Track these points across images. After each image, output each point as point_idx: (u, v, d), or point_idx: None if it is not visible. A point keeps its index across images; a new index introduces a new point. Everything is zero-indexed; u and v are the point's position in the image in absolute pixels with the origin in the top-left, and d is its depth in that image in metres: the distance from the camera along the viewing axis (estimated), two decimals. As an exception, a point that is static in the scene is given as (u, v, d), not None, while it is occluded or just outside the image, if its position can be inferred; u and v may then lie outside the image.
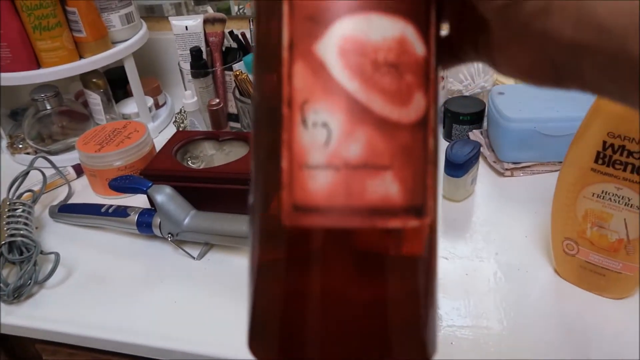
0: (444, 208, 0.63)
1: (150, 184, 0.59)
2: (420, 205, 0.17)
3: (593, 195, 0.45)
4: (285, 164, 0.17)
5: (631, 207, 0.43)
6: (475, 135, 0.74)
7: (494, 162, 0.69)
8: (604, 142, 0.42)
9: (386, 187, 0.17)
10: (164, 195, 0.58)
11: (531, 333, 0.46)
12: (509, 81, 0.82)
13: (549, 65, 0.17)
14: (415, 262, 0.18)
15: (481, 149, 0.71)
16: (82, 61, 0.74)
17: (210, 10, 0.87)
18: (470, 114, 0.73)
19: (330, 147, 0.16)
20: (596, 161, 0.43)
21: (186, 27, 0.77)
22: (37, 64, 0.72)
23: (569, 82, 0.17)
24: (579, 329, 0.46)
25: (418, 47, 0.17)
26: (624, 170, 0.42)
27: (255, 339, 0.20)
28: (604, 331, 0.46)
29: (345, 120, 0.16)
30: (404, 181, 0.17)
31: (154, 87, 0.92)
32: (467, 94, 0.80)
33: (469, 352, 0.45)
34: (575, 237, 0.48)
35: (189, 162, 0.71)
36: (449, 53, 0.21)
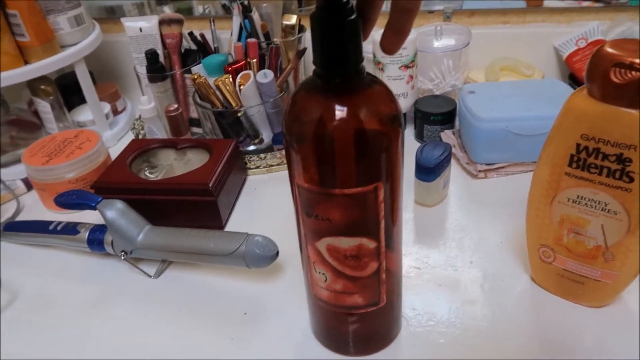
0: (416, 214, 0.61)
1: (99, 199, 0.54)
2: (375, 302, 0.39)
3: (568, 201, 0.42)
4: (309, 285, 0.41)
5: (608, 212, 0.40)
6: (447, 135, 0.71)
7: (467, 163, 0.66)
8: (578, 145, 0.39)
9: (355, 299, 0.38)
10: (114, 210, 0.53)
11: (508, 344, 0.44)
12: (479, 79, 0.79)
13: None
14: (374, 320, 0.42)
15: (454, 150, 0.68)
16: (27, 67, 0.69)
17: (167, 10, 0.82)
18: (441, 114, 0.70)
19: (327, 283, 0.38)
20: (570, 165, 0.40)
21: (140, 28, 0.73)
22: (-24, 72, 0.67)
23: None
24: (556, 339, 0.44)
25: (370, 244, 0.35)
26: (600, 174, 0.39)
27: None
28: (583, 341, 0.44)
29: (332, 275, 0.37)
30: (364, 296, 0.38)
31: (112, 92, 0.87)
32: (437, 92, 0.78)
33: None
34: (552, 244, 0.45)
35: (147, 173, 0.66)
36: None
